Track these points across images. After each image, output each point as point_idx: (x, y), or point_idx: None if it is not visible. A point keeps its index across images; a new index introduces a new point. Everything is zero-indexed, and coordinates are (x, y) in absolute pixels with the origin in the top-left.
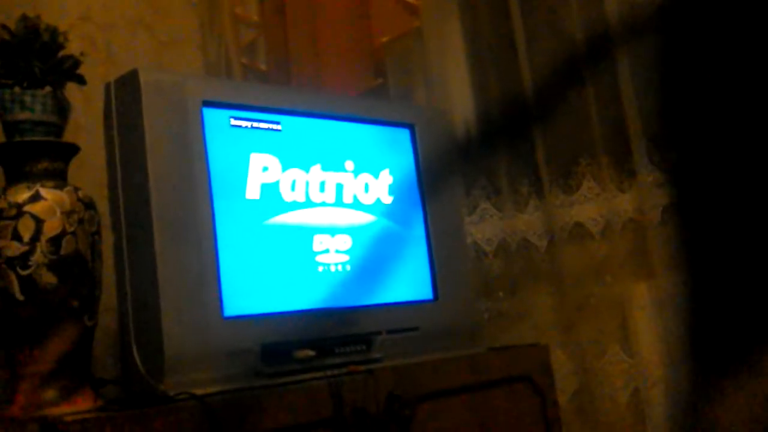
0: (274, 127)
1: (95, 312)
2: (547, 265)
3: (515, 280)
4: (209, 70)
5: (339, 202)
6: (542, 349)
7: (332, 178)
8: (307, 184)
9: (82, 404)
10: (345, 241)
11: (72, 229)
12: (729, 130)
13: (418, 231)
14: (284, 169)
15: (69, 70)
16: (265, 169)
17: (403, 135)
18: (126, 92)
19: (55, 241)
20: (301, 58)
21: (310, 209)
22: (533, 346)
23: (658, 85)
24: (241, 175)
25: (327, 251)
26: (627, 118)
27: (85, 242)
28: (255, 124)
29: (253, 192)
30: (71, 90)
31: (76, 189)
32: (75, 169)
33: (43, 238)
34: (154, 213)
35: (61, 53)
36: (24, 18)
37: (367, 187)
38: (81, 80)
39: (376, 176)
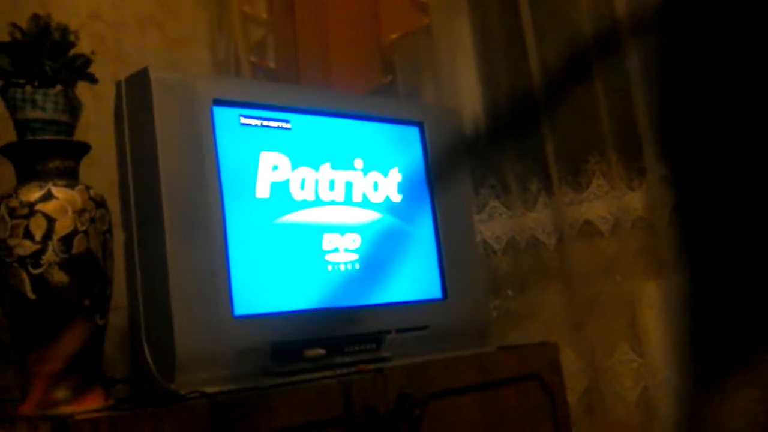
0: (284, 125)
1: (106, 311)
2: (556, 264)
3: (524, 279)
4: (218, 68)
5: (348, 201)
6: (552, 348)
7: (341, 176)
8: (317, 182)
9: (93, 403)
10: (354, 240)
11: (84, 228)
12: (729, 131)
13: (428, 229)
14: (294, 167)
15: (80, 69)
16: (275, 167)
17: (412, 133)
18: (137, 91)
19: (67, 240)
20: (310, 56)
21: (320, 208)
22: (543, 344)
23: (658, 86)
24: (250, 173)
25: (336, 250)
26: (637, 115)
27: (97, 241)
28: (265, 123)
29: (262, 191)
30: (81, 88)
31: (88, 188)
32: (85, 168)
33: (55, 237)
34: (165, 211)
35: (72, 52)
36: (35, 17)
37: (376, 186)
38: (92, 79)
39: (386, 174)
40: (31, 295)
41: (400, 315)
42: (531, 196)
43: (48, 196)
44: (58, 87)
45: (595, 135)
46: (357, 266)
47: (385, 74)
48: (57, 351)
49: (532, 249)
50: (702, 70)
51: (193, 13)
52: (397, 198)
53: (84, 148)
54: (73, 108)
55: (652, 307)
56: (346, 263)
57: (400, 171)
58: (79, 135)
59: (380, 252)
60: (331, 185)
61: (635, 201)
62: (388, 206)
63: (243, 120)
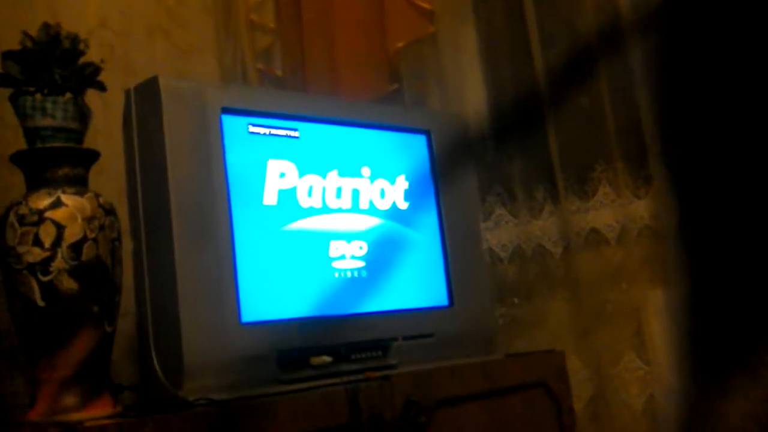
0: (292, 133)
1: (115, 318)
2: (562, 272)
3: (530, 286)
4: (225, 76)
5: (355, 208)
6: (558, 356)
7: (349, 184)
8: (324, 190)
9: (101, 410)
10: (361, 247)
11: (93, 235)
12: (730, 134)
13: (434, 237)
14: (301, 175)
15: (89, 77)
16: (283, 175)
17: (419, 141)
18: (146, 99)
19: (76, 247)
20: (316, 64)
21: (327, 215)
22: (549, 352)
23: (658, 87)
24: (258, 181)
25: (343, 257)
26: (643, 123)
27: (106, 248)
28: (273, 131)
29: (270, 198)
30: (90, 96)
31: (97, 195)
32: (93, 175)
33: (64, 244)
34: (174, 219)
35: (82, 60)
36: (45, 26)
37: (383, 193)
38: (101, 87)
39: (392, 182)
40: (41, 302)
41: (407, 322)
42: (537, 204)
43: (57, 204)
44: (68, 95)
45: (601, 143)
46: (364, 273)
47: (391, 82)
48: (66, 358)
49: (538, 257)
50: (703, 71)
51: (200, 21)
52: (403, 205)
53: (93, 156)
54: (83, 116)
55: (659, 315)
56: (352, 270)
57: (406, 179)
58: (88, 142)
59: (387, 259)
60: (338, 193)
61: (641, 209)
62: (394, 214)
63: (251, 128)
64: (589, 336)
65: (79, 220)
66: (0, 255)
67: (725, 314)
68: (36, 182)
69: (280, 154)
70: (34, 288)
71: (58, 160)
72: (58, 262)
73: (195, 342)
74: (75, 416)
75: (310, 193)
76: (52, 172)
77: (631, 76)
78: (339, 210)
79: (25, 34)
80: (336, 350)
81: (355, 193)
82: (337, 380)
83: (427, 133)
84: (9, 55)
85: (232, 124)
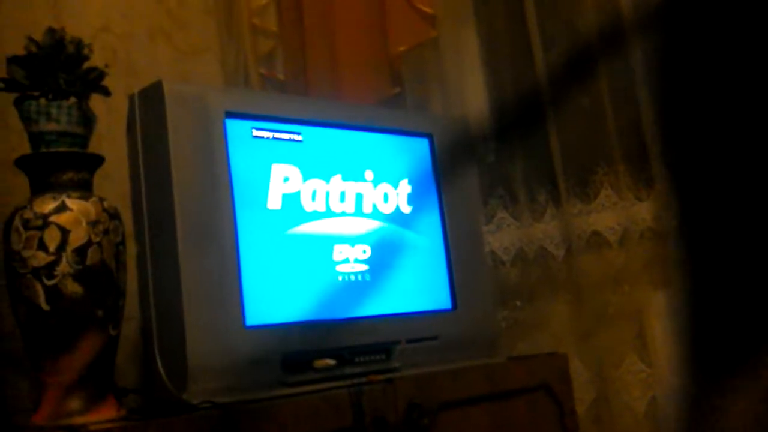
0: (295, 137)
1: (119, 321)
2: (564, 274)
3: (533, 289)
4: (228, 80)
5: (359, 212)
6: (561, 358)
7: (352, 187)
8: (328, 194)
9: (105, 413)
10: (364, 251)
11: (97, 239)
12: (731, 135)
13: (437, 240)
14: (305, 179)
15: (94, 82)
16: (287, 179)
17: (421, 144)
18: (150, 104)
19: (81, 251)
20: (318, 68)
21: (330, 219)
22: (551, 355)
23: (659, 87)
24: (262, 185)
25: (347, 261)
26: (645, 126)
27: (110, 252)
28: (276, 135)
29: (274, 202)
30: (93, 100)
31: (102, 199)
32: (97, 179)
33: (69, 249)
34: (178, 223)
35: (86, 65)
36: (50, 31)
37: (386, 197)
38: (106, 92)
39: (396, 186)
40: (45, 306)
41: (410, 325)
42: (539, 207)
43: (62, 208)
44: (72, 99)
45: (603, 145)
46: (367, 277)
47: (394, 86)
48: (70, 361)
49: (540, 260)
50: (703, 71)
51: (202, 25)
52: (407, 209)
53: (98, 160)
54: (87, 120)
55: (661, 317)
56: (356, 274)
57: (409, 182)
58: (92, 147)
59: (390, 263)
60: (342, 197)
61: (643, 211)
62: (397, 217)
63: (255, 132)
64: (591, 338)
65: (84, 224)
66: (5, 259)
67: (726, 315)
68: (41, 187)
69: (283, 158)
70: (39, 292)
71: (62, 164)
72: (63, 267)
73: (199, 345)
74: (79, 420)
75: (313, 197)
76: (57, 176)
77: (633, 78)
78: (343, 214)
79: (30, 39)
80: (339, 353)
81: (359, 197)
82: (340, 383)
83: (429, 136)
84: (14, 59)
85: (235, 128)
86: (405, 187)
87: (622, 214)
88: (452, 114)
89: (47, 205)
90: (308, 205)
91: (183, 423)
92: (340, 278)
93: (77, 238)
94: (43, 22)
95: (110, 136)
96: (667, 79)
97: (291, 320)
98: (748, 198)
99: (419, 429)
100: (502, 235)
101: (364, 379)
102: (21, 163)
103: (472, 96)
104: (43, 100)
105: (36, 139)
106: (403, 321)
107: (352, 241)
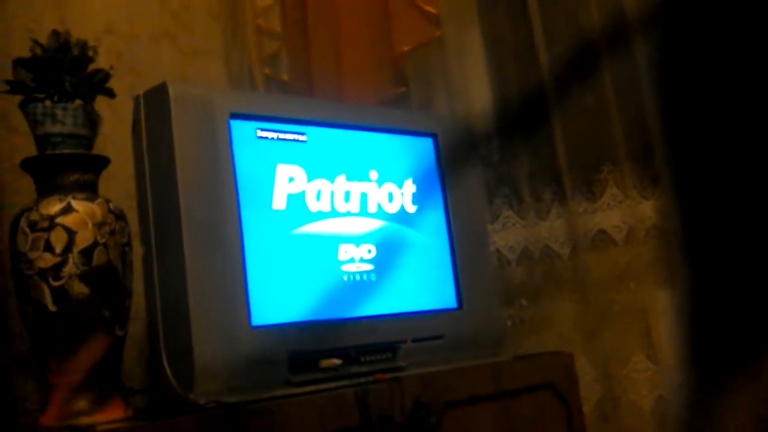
0: (300, 138)
1: (126, 322)
2: (570, 273)
3: (538, 288)
4: (232, 81)
5: (363, 212)
6: (567, 357)
7: (357, 187)
8: (332, 194)
9: (112, 413)
10: (369, 250)
11: (103, 240)
12: (732, 135)
13: (442, 240)
14: (310, 179)
15: (99, 84)
16: (291, 179)
17: (426, 144)
18: (155, 105)
19: (87, 252)
20: (322, 68)
21: (335, 219)
22: (557, 353)
23: (660, 86)
24: (267, 185)
25: (352, 260)
26: (650, 124)
27: (116, 253)
28: (281, 136)
29: (279, 202)
30: (98, 102)
31: (107, 201)
32: (102, 181)
33: (75, 250)
34: (183, 223)
35: (91, 67)
36: (55, 33)
37: (391, 197)
38: (111, 94)
39: (400, 185)
40: (52, 307)
41: (416, 325)
42: (544, 206)
43: (68, 209)
44: (78, 101)
45: (608, 144)
46: (372, 276)
47: (398, 86)
48: (77, 362)
49: (545, 259)
50: (705, 71)
51: (206, 26)
52: (411, 209)
53: (103, 162)
54: (93, 122)
55: (666, 315)
56: (361, 273)
57: (414, 182)
58: (97, 148)
59: (395, 262)
60: (347, 196)
61: (649, 210)
62: (402, 217)
63: (260, 133)
64: (597, 337)
65: (90, 225)
66: (12, 261)
67: (726, 315)
68: (47, 188)
69: (288, 159)
70: (46, 293)
71: (68, 166)
72: (69, 268)
73: (205, 345)
74: (86, 420)
75: (318, 197)
76: (63, 178)
77: (637, 75)
78: (347, 214)
79: (35, 41)
80: (345, 353)
81: (364, 197)
82: (346, 382)
83: (434, 136)
84: (19, 62)
85: (240, 129)
86: (409, 187)
87: (627, 212)
88: (456, 113)
89: (53, 206)
90: (313, 205)
91: (190, 423)
92: (345, 278)
93: (83, 240)
94: (48, 24)
95: (115, 138)
96: (669, 79)
97: (297, 320)
98: (749, 198)
99: (426, 428)
100: (508, 234)
101: (370, 379)
102: (27, 165)
103: (477, 95)
104: (48, 102)
105: (42, 141)
106: (408, 320)
107: (357, 240)
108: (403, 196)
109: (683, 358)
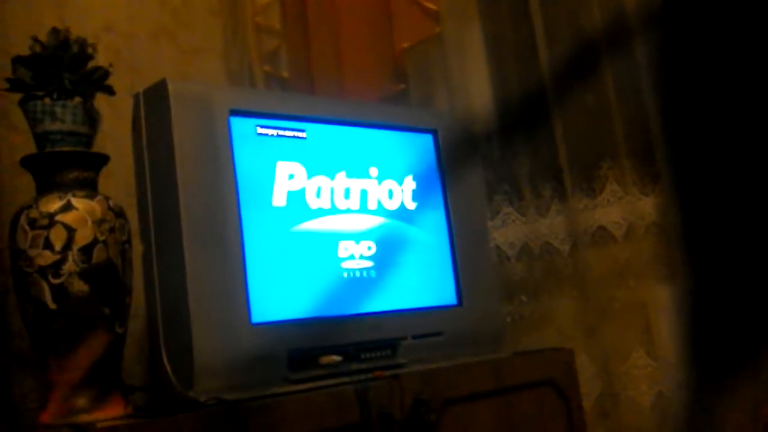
0: (299, 134)
1: (125, 319)
2: (570, 269)
3: (538, 285)
4: (232, 78)
5: (363, 209)
6: (567, 353)
7: (357, 184)
8: (332, 190)
9: (112, 411)
10: (369, 247)
11: (103, 238)
12: (729, 133)
13: (442, 236)
14: (309, 176)
15: (98, 81)
16: (291, 176)
17: (426, 141)
18: (154, 102)
19: (87, 250)
20: (323, 65)
21: (335, 216)
22: (557, 350)
23: (660, 85)
24: (267, 182)
25: (352, 257)
26: (649, 120)
27: (116, 251)
28: (281, 132)
29: (279, 199)
30: (97, 99)
31: (107, 198)
32: (101, 178)
33: (75, 247)
34: (183, 221)
35: (90, 64)
36: (54, 31)
37: (390, 193)
38: (110, 91)
39: (400, 182)
40: (52, 305)
41: (415, 321)
42: (544, 203)
43: (68, 207)
44: (77, 99)
45: (608, 140)
46: (372, 273)
47: (398, 82)
48: (77, 360)
49: (545, 255)
50: (704, 70)
51: (206, 24)
52: (411, 205)
53: (103, 159)
54: (92, 120)
55: (666, 311)
56: (361, 270)
57: (414, 179)
58: (97, 146)
59: (395, 259)
60: (347, 193)
61: (649, 206)
62: (402, 213)
63: (259, 130)
64: (597, 333)
65: (90, 223)
66: (11, 258)
67: (726, 315)
68: (46, 186)
69: (288, 156)
70: (45, 291)
71: (67, 163)
72: (69, 265)
73: (205, 342)
74: (86, 418)
75: (318, 194)
76: (62, 175)
77: (638, 74)
78: (347, 210)
79: (35, 39)
80: (345, 350)
81: (363, 194)
82: (346, 379)
83: (434, 132)
84: (19, 60)
85: (240, 126)
86: (409, 184)
87: (627, 208)
88: (456, 110)
89: (53, 204)
90: (313, 202)
91: (190, 420)
92: (345, 275)
93: (83, 237)
94: (48, 23)
95: (115, 135)
96: (669, 78)
97: (296, 317)
98: (749, 199)
99: (425, 424)
100: (508, 231)
101: (370, 375)
102: (26, 162)
103: (477, 92)
104: (47, 100)
105: (41, 138)
106: (408, 317)
107: (357, 237)
108: (403, 192)
109: (684, 358)
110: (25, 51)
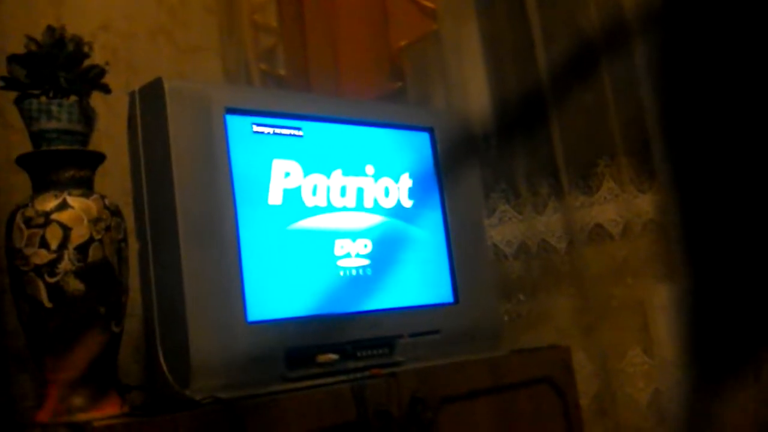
0: (296, 132)
1: (122, 318)
2: (567, 267)
3: (535, 283)
4: (229, 77)
5: (360, 207)
6: (564, 351)
7: (353, 182)
8: (329, 188)
9: (109, 410)
10: (366, 245)
11: (99, 236)
12: (729, 132)
13: (439, 234)
14: (306, 174)
15: (94, 80)
16: (287, 174)
17: (422, 138)
18: (150, 101)
19: (83, 248)
20: (319, 63)
21: (332, 214)
22: (554, 347)
23: (661, 85)
24: (263, 180)
25: (348, 255)
26: (646, 118)
27: (112, 249)
28: (277, 131)
29: (275, 197)
30: (93, 98)
31: (103, 197)
32: (97, 176)
33: (71, 246)
34: (179, 219)
35: (86, 63)
36: (50, 29)
37: (387, 191)
38: (106, 89)
39: (397, 180)
40: (48, 304)
41: (412, 319)
42: (541, 200)
43: (63, 206)
44: (73, 97)
45: (605, 138)
46: (369, 271)
47: (395, 80)
48: (73, 359)
49: (542, 253)
50: (704, 70)
51: (203, 23)
52: (408, 203)
53: (99, 158)
54: (88, 118)
55: (663, 309)
56: (358, 268)
57: (411, 176)
58: (93, 144)
59: (392, 257)
60: (343, 191)
61: (645, 204)
62: (399, 211)
63: (255, 128)
64: (594, 331)
65: (85, 221)
66: (7, 257)
67: (726, 315)
68: (42, 184)
69: (284, 154)
70: (41, 289)
71: (63, 162)
72: (65, 264)
73: (202, 341)
74: (83, 416)
75: (314, 192)
76: (58, 174)
77: (634, 72)
78: (344, 209)
79: (30, 38)
80: (342, 348)
81: (360, 192)
82: (343, 378)
83: (430, 130)
84: (14, 58)
85: (236, 124)
86: (406, 182)
87: (624, 206)
88: (453, 108)
89: (49, 202)
90: (309, 200)
91: (186, 419)
92: (341, 273)
93: (79, 236)
94: (44, 22)
95: (111, 134)
96: (668, 76)
97: (293, 315)
98: (749, 200)
99: (422, 423)
100: (505, 229)
101: (367, 374)
102: (22, 161)
103: (474, 90)
104: (43, 99)
105: (37, 137)
106: (405, 315)
107: (354, 235)
108: (399, 190)
109: (683, 359)
110: (20, 49)
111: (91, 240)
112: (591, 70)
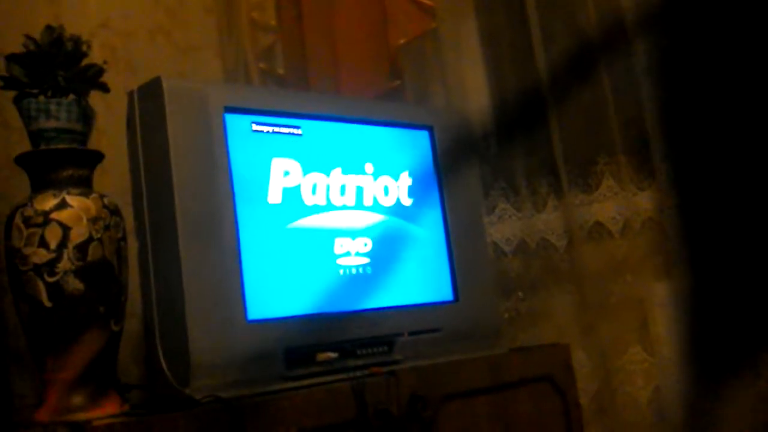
0: (295, 131)
1: (121, 317)
2: (566, 265)
3: (535, 280)
4: (228, 75)
5: (359, 205)
6: (563, 349)
7: (352, 181)
8: (328, 187)
9: (108, 409)
10: (365, 244)
11: (98, 235)
12: (729, 133)
13: (438, 232)
14: (305, 173)
15: (92, 78)
16: (287, 173)
17: (422, 137)
18: (149, 100)
19: (82, 247)
20: (318, 62)
21: (331, 212)
22: (554, 345)
23: (661, 85)
24: (263, 179)
25: (348, 254)
26: (646, 116)
27: (111, 248)
28: (276, 129)
29: (274, 196)
30: (92, 97)
31: (102, 196)
32: (96, 175)
33: (70, 245)
34: (178, 218)
35: (85, 62)
36: (48, 28)
37: (386, 190)
38: (105, 88)
39: (396, 178)
40: (47, 303)
41: (412, 317)
42: (541, 198)
43: (62, 205)
44: (72, 96)
45: (604, 136)
46: (368, 270)
47: (394, 79)
48: (73, 358)
49: (542, 251)
50: (704, 71)
51: (201, 21)
52: (407, 201)
53: (98, 157)
54: (87, 117)
55: (663, 306)
56: (357, 267)
57: (410, 175)
58: (91, 143)
59: (391, 255)
60: (342, 190)
61: (645, 201)
62: (398, 210)
63: (254, 127)
64: (594, 329)
65: (85, 220)
66: (6, 256)
67: (726, 316)
68: (41, 184)
69: (283, 153)
70: (41, 289)
71: (62, 161)
72: (64, 263)
73: (201, 340)
74: (82, 416)
75: (314, 191)
76: (57, 173)
77: (634, 68)
78: (343, 207)
79: (28, 37)
80: (342, 346)
81: (359, 190)
82: (343, 376)
83: (430, 128)
84: (13, 57)
85: (235, 123)
86: (406, 180)
87: (623, 204)
88: (452, 106)
89: (48, 202)
90: (309, 199)
91: (186, 418)
92: (341, 271)
93: (78, 235)
94: (42, 21)
95: (110, 133)
96: (668, 76)
97: (293, 314)
98: (748, 200)
99: (422, 421)
100: (504, 227)
101: (366, 372)
102: (21, 160)
103: (473, 88)
104: (42, 98)
105: (36, 136)
106: (405, 313)
107: (353, 234)
108: (399, 189)
109: (683, 359)
110: (19, 49)
111: (90, 239)
112: (590, 68)
